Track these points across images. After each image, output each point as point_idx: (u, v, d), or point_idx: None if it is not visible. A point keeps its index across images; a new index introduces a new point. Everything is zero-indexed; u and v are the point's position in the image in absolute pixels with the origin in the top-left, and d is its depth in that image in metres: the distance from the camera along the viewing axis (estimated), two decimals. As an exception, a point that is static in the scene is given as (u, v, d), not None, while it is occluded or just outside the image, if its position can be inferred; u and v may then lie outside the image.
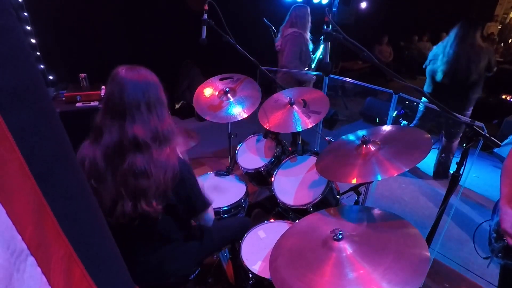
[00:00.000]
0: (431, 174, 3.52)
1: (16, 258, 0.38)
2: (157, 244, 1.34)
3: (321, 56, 3.26)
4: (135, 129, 1.10)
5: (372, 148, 1.44)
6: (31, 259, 0.40)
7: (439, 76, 3.02)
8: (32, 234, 0.40)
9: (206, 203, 1.33)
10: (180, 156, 1.24)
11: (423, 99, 3.08)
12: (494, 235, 1.36)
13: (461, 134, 3.22)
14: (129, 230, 1.22)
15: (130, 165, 1.10)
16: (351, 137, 1.64)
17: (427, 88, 3.24)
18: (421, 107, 3.37)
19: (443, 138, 3.33)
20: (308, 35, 3.05)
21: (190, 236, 1.45)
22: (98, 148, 1.14)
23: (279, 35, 3.16)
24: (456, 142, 3.27)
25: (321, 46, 3.25)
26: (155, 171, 1.12)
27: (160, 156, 1.14)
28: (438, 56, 3.04)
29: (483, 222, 1.51)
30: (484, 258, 1.40)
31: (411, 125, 3.57)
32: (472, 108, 3.10)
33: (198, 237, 1.50)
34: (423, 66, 3.29)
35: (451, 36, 2.94)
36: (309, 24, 3.06)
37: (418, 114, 3.44)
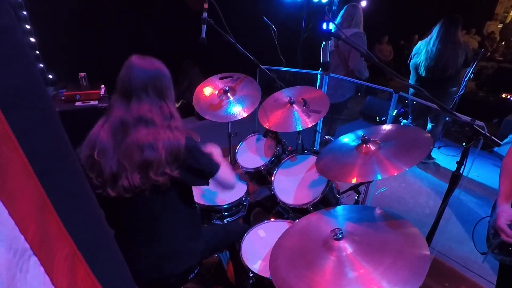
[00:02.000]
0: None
1: (19, 258, 0.38)
2: (159, 231, 1.34)
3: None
4: (140, 108, 1.19)
5: (372, 147, 1.44)
6: (34, 259, 0.40)
7: (421, 71, 3.26)
8: (35, 234, 0.40)
9: (214, 167, 1.36)
10: (183, 135, 1.27)
11: (411, 90, 3.33)
12: (492, 231, 1.37)
13: (443, 122, 3.54)
14: (135, 205, 1.26)
15: (133, 140, 1.17)
16: (351, 136, 1.64)
17: (411, 81, 3.46)
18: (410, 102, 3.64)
19: (429, 124, 3.60)
20: None
21: (193, 231, 1.46)
22: (107, 123, 1.23)
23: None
24: (439, 129, 3.56)
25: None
26: (160, 145, 1.18)
27: (167, 134, 1.21)
28: (421, 51, 3.27)
29: (482, 218, 1.52)
30: (481, 254, 1.41)
31: (407, 122, 3.80)
32: (451, 101, 3.35)
33: (201, 233, 1.51)
34: (408, 62, 3.50)
35: (434, 33, 3.17)
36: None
37: (411, 111, 3.69)
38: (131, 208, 1.28)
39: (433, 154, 3.81)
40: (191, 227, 1.44)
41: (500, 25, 10.53)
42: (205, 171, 1.34)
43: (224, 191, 1.44)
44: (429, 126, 3.61)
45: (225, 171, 1.40)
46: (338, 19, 3.08)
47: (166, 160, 1.18)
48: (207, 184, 1.38)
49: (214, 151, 1.52)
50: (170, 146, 1.19)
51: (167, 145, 1.19)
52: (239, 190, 1.97)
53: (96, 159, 1.19)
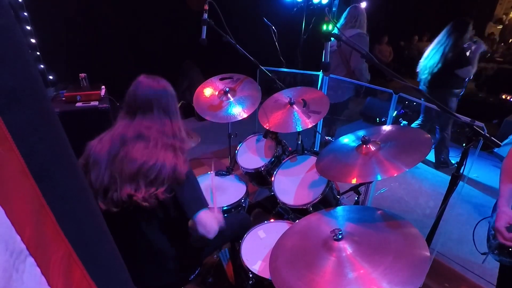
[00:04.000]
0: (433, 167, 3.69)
1: (15, 259, 0.38)
2: (156, 237, 1.32)
3: None
4: (143, 125, 1.21)
5: (372, 148, 1.44)
6: (30, 260, 0.40)
7: (420, 72, 3.38)
8: (31, 235, 0.40)
9: (195, 209, 1.24)
10: (187, 165, 1.24)
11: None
12: (492, 232, 1.37)
13: (450, 127, 3.52)
14: (124, 221, 1.25)
15: (129, 154, 1.17)
16: (351, 137, 1.64)
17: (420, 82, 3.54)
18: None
19: (437, 132, 3.58)
20: None
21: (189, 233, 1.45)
22: (106, 136, 1.24)
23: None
24: (446, 133, 3.54)
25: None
26: (158, 163, 1.16)
27: (168, 154, 1.19)
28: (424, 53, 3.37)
29: (482, 219, 1.52)
30: (481, 254, 1.42)
31: (416, 123, 3.75)
32: (455, 101, 3.36)
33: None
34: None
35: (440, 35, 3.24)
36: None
37: (423, 112, 3.66)
38: (120, 223, 1.25)
39: (431, 155, 3.79)
40: (183, 241, 1.41)
41: (500, 26, 10.52)
42: (185, 208, 1.23)
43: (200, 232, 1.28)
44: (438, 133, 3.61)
45: (206, 219, 1.25)
46: (341, 21, 3.10)
47: (162, 179, 1.16)
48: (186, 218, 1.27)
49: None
50: (169, 167, 1.17)
51: (165, 165, 1.17)
52: (238, 192, 1.97)
53: (87, 170, 1.20)
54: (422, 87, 3.41)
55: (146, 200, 1.16)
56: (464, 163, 1.37)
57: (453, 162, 3.68)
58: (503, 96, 5.25)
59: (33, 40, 3.04)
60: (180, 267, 1.40)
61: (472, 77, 3.25)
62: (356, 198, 1.80)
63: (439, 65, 3.19)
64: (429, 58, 3.28)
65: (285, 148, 2.22)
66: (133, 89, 1.24)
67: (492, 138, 1.26)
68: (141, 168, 1.15)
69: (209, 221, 1.25)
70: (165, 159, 1.18)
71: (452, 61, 3.13)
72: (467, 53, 3.11)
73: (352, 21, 3.00)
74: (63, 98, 2.66)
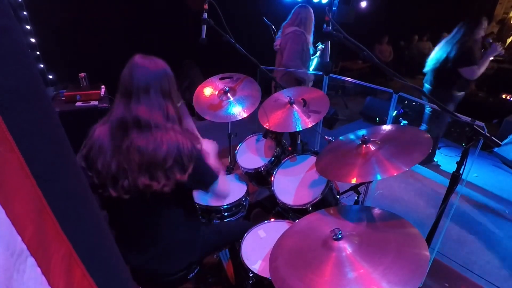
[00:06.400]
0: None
1: (16, 259, 0.38)
2: (158, 232, 1.34)
3: (319, 59, 3.31)
4: (139, 109, 1.15)
5: (372, 147, 1.44)
6: (31, 260, 0.40)
7: (425, 69, 3.35)
8: (32, 235, 0.40)
9: (213, 177, 1.33)
10: (194, 142, 1.24)
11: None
12: None
13: (445, 126, 3.50)
14: (135, 206, 1.26)
15: (135, 142, 1.14)
16: (351, 136, 1.64)
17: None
18: (427, 110, 3.52)
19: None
20: (310, 37, 3.03)
21: (192, 230, 1.46)
22: (107, 123, 1.21)
23: (279, 33, 3.13)
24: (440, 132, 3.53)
25: (318, 48, 3.31)
26: (165, 147, 1.14)
27: (177, 136, 1.17)
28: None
29: None
30: None
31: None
32: (453, 105, 3.32)
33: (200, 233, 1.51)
34: None
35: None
36: (312, 26, 3.06)
37: (425, 117, 3.59)
38: (131, 209, 1.27)
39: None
40: (189, 228, 1.44)
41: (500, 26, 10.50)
42: (205, 181, 1.31)
43: (218, 200, 1.41)
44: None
45: (222, 182, 1.36)
46: (287, 20, 3.12)
47: (173, 163, 1.15)
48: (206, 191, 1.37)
49: (211, 147, 1.52)
50: (180, 149, 1.16)
51: (176, 147, 1.15)
52: (239, 191, 1.97)
53: (93, 158, 1.18)
54: (426, 87, 3.35)
55: (167, 186, 1.17)
56: (464, 162, 1.37)
57: (435, 160, 3.70)
58: (503, 96, 5.25)
59: (33, 40, 3.04)
60: (180, 258, 1.41)
61: (475, 78, 3.13)
62: (356, 198, 1.81)
63: (442, 62, 3.13)
64: (435, 54, 3.23)
65: (285, 147, 2.22)
66: (129, 71, 1.17)
67: (492, 137, 1.26)
68: (154, 157, 1.13)
69: (223, 190, 1.38)
70: (178, 143, 1.16)
71: (455, 59, 3.05)
72: (475, 53, 3.02)
73: (295, 19, 3.01)
74: (63, 98, 2.66)
